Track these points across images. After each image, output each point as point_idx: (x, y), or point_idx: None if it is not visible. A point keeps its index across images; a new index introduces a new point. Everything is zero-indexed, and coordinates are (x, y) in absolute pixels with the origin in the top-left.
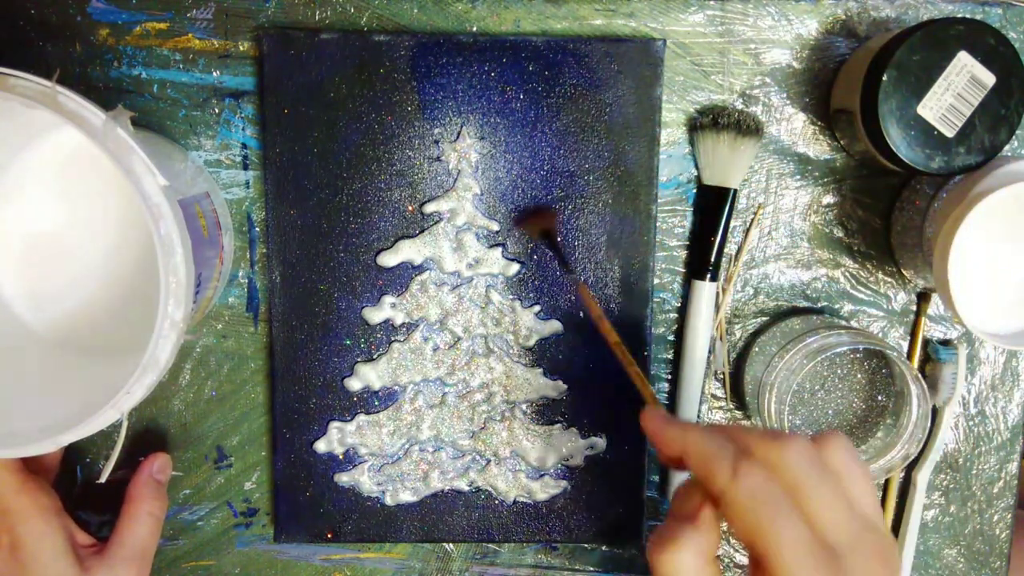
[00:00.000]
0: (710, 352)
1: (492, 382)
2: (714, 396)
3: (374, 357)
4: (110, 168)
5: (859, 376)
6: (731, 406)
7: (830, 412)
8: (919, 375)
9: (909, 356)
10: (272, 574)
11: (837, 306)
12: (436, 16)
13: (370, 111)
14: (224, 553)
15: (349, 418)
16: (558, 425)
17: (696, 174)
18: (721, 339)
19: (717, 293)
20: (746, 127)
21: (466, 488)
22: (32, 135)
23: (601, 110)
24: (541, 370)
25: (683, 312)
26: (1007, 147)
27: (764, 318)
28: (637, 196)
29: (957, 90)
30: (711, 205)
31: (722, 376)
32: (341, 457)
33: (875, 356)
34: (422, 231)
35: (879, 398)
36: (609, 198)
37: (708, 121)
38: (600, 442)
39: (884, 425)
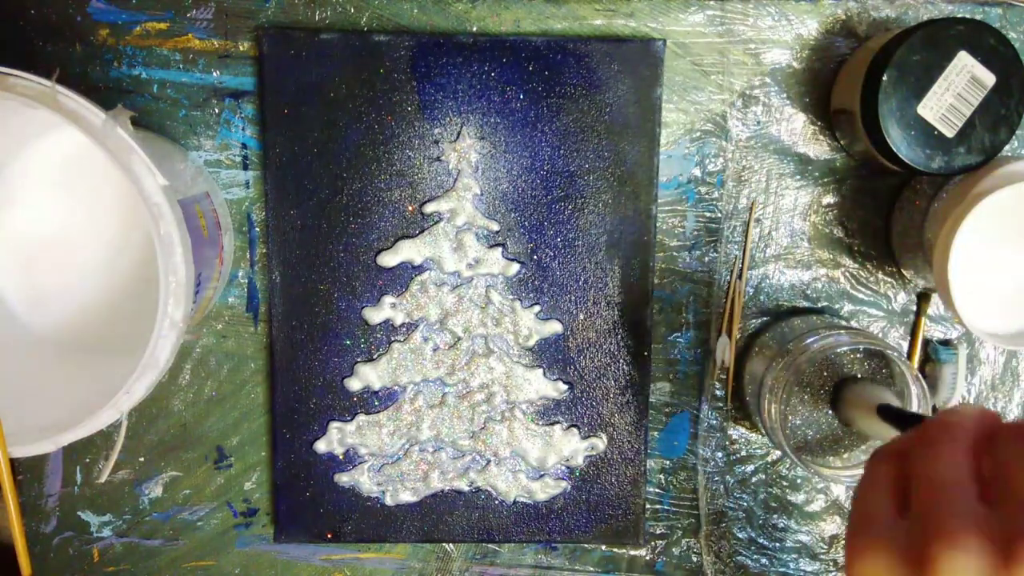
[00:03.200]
0: (712, 351)
1: (492, 382)
2: (714, 396)
3: (374, 357)
4: (110, 168)
5: (859, 377)
6: (731, 406)
7: (829, 413)
8: (919, 375)
9: (909, 356)
10: (272, 574)
11: (837, 306)
12: (436, 16)
13: (370, 111)
14: (224, 553)
15: (349, 418)
16: (558, 425)
17: (698, 175)
18: (730, 336)
19: (729, 290)
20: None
21: (466, 488)
22: (32, 135)
23: (601, 110)
24: (541, 370)
25: (682, 314)
26: (1007, 147)
27: (764, 318)
28: (637, 196)
29: (957, 90)
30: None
31: (724, 376)
32: (341, 457)
33: (875, 356)
34: (422, 231)
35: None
36: (609, 198)
37: None
38: (600, 442)
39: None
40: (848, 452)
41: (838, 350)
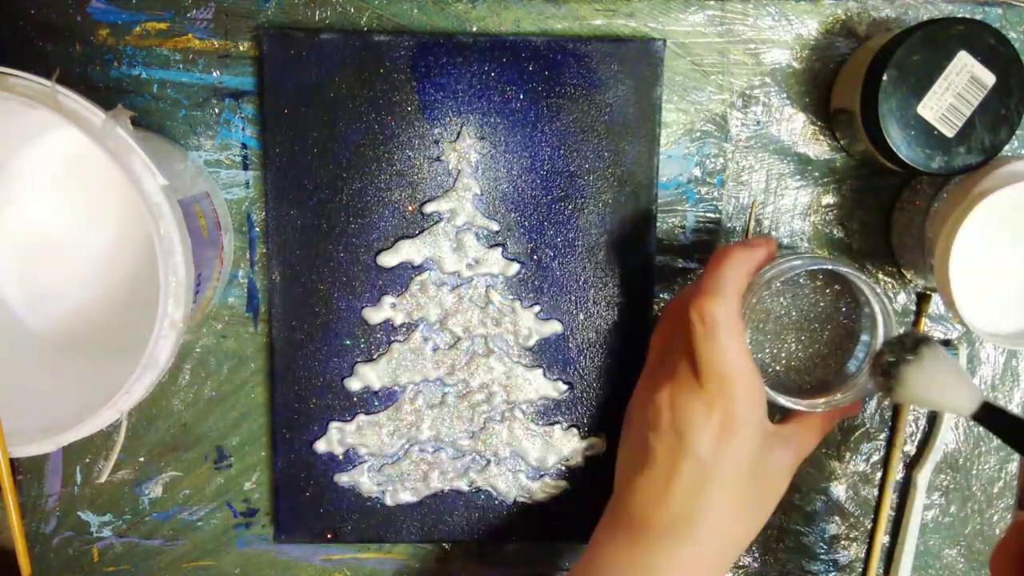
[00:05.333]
0: None
1: (492, 382)
2: None
3: (374, 357)
4: (110, 168)
5: (823, 304)
6: None
7: (796, 346)
8: (884, 293)
9: None
10: (272, 574)
11: None
12: (436, 16)
13: (370, 111)
14: (224, 553)
15: (349, 418)
16: (558, 425)
17: (698, 175)
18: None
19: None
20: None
21: (466, 488)
22: (32, 135)
23: (601, 110)
24: (541, 370)
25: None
26: (1007, 147)
27: None
28: (637, 196)
29: (957, 90)
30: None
31: None
32: (341, 457)
33: (838, 280)
34: (422, 231)
35: (848, 324)
36: (609, 198)
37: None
38: (600, 443)
39: (856, 351)
40: (820, 382)
41: (792, 275)
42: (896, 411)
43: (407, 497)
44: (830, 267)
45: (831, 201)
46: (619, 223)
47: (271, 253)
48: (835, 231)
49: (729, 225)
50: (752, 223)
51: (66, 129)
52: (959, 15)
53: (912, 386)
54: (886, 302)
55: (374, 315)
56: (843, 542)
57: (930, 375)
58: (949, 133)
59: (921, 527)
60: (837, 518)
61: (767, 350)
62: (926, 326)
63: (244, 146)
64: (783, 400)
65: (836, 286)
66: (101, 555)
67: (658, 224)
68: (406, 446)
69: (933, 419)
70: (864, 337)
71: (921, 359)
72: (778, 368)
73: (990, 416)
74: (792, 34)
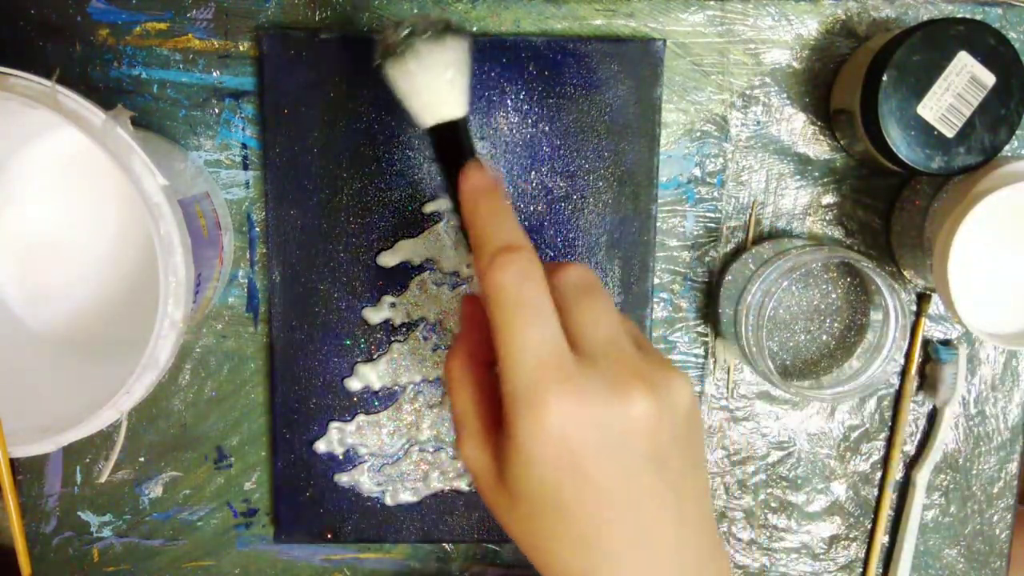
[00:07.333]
0: (712, 351)
1: None
2: (714, 396)
3: (374, 357)
4: (110, 168)
5: (834, 296)
6: (732, 406)
7: (805, 336)
8: (895, 286)
9: (909, 356)
10: (272, 574)
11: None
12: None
13: (370, 111)
14: (224, 553)
15: (349, 418)
16: None
17: (698, 175)
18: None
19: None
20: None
21: (466, 488)
22: (32, 135)
23: (601, 110)
24: None
25: (682, 313)
26: (1007, 147)
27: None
28: (637, 196)
29: (957, 90)
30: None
31: (724, 376)
32: (341, 457)
33: (852, 275)
34: (422, 231)
35: (857, 319)
36: (609, 198)
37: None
38: None
39: (863, 346)
40: (825, 374)
41: (812, 265)
42: (896, 411)
43: (407, 497)
44: (849, 260)
45: (831, 201)
46: (619, 223)
47: (271, 253)
48: (835, 231)
49: (730, 224)
50: (752, 223)
51: (66, 129)
52: (959, 15)
53: (412, 68)
54: (901, 298)
55: (374, 315)
56: (843, 542)
57: (432, 66)
58: (949, 133)
59: (921, 527)
60: (837, 518)
61: (775, 338)
62: (926, 326)
63: (244, 146)
64: (789, 388)
65: (849, 279)
66: (101, 555)
67: (658, 224)
68: (406, 446)
69: (933, 419)
70: (872, 331)
71: (440, 46)
72: (785, 357)
73: (440, 135)
74: (792, 34)
